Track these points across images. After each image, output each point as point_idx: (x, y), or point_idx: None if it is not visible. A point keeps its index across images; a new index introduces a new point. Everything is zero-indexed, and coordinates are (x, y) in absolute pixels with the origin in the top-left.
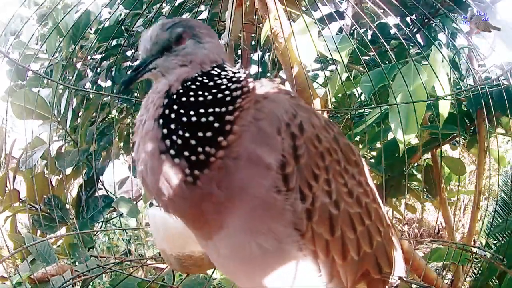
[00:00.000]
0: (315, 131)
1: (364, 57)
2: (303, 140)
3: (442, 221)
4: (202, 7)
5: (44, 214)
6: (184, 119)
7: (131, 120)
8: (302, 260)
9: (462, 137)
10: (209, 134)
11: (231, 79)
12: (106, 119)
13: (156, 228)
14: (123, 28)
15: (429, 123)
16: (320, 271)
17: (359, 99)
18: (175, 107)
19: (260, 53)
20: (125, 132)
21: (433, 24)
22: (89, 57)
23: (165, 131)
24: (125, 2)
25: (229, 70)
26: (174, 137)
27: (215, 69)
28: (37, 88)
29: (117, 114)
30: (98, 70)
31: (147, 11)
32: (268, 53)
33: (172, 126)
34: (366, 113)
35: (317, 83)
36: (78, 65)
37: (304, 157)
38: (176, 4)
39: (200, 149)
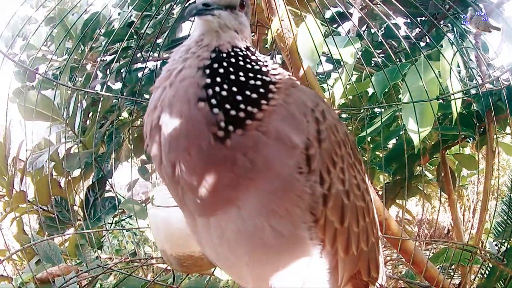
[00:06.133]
0: (334, 121)
1: (374, 59)
2: (325, 126)
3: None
4: None
5: (52, 215)
6: (233, 76)
7: (141, 123)
8: (313, 249)
9: (472, 138)
10: (254, 95)
11: (265, 60)
12: (116, 121)
13: (156, 228)
14: (132, 30)
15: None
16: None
17: (370, 100)
18: (224, 63)
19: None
20: (136, 134)
21: (442, 25)
22: (98, 59)
23: (208, 80)
24: (135, 5)
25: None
26: (218, 88)
27: (250, 49)
28: (45, 90)
29: (127, 116)
30: (108, 72)
31: (156, 13)
32: (279, 55)
33: (218, 79)
34: (378, 114)
35: (328, 84)
36: (88, 67)
37: (325, 142)
38: (186, 5)
39: (243, 106)
